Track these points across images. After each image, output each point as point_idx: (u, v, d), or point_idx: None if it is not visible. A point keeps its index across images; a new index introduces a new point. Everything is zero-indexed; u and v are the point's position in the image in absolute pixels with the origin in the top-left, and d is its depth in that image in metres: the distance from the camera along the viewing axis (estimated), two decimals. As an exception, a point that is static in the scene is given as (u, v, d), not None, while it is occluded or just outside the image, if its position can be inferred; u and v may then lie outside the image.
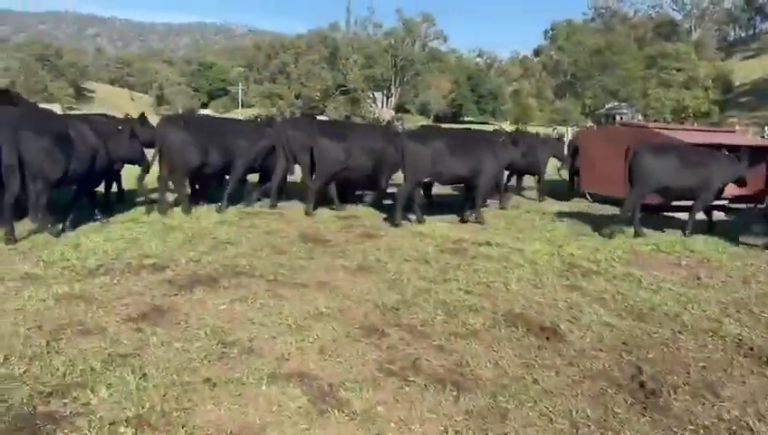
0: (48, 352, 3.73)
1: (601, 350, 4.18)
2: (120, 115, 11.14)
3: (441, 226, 8.49)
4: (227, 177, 9.42)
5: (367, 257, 6.55)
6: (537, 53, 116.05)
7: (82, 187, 7.58)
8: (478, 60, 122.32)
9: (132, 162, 8.56)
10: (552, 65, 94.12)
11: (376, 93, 76.28)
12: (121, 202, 9.59)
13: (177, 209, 8.73)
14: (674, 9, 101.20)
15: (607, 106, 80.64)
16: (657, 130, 11.03)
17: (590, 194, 11.76)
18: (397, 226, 8.31)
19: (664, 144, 9.02)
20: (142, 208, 8.69)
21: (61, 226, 7.14)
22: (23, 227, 7.21)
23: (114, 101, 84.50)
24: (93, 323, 4.27)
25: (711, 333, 4.54)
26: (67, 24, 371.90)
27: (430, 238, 7.60)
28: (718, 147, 9.11)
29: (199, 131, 8.81)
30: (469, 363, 3.82)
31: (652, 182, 8.13)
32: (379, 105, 75.80)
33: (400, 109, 79.15)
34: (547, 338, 4.32)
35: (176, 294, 5.00)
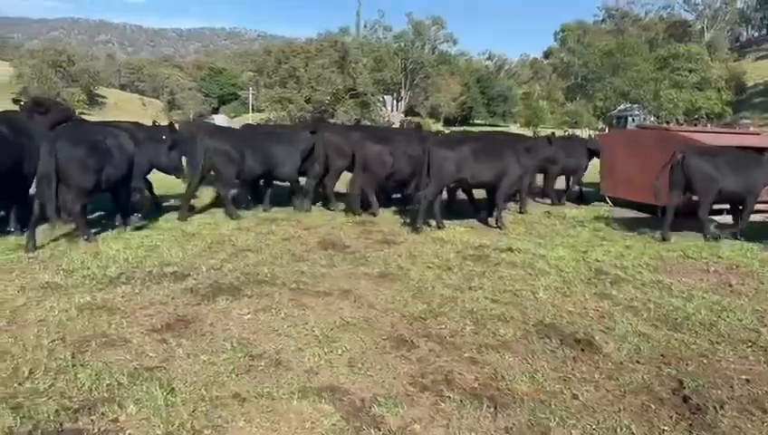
0: (73, 366, 3.65)
1: (639, 362, 4.04)
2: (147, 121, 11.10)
3: (461, 231, 8.38)
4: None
5: (388, 264, 6.45)
6: (547, 55, 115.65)
7: (122, 193, 7.65)
8: (488, 62, 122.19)
9: (168, 171, 8.60)
10: (563, 67, 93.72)
11: (386, 97, 76.11)
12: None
13: (197, 217, 8.68)
14: (685, 10, 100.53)
15: (618, 108, 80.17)
16: (681, 132, 10.85)
17: (610, 198, 11.59)
18: (418, 231, 8.20)
19: (712, 148, 8.84)
20: (161, 215, 8.66)
21: (93, 232, 7.23)
22: (42, 235, 7.18)
23: (126, 107, 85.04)
24: (117, 335, 4.19)
25: (750, 344, 4.40)
26: (79, 31, 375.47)
27: (451, 244, 7.48)
28: (747, 149, 8.95)
29: (240, 138, 9.18)
30: (504, 377, 3.70)
31: (713, 187, 8.03)
32: (389, 109, 75.67)
33: (410, 112, 79.03)
34: (582, 350, 4.19)
35: (199, 304, 4.92)
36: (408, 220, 9.00)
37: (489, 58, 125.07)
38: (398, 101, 75.85)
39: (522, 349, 4.19)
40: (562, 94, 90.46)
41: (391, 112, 74.66)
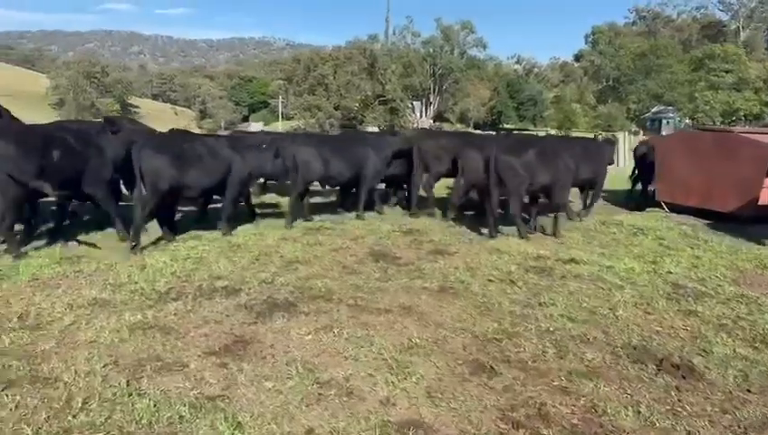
0: (129, 395, 3.37)
1: (750, 391, 3.60)
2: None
3: (516, 241, 7.95)
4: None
5: (447, 277, 6.08)
6: (578, 57, 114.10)
7: (230, 199, 8.01)
8: (517, 66, 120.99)
9: (274, 178, 8.90)
10: (594, 70, 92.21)
11: (414, 102, 75.82)
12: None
13: (241, 227, 8.44)
14: (720, 10, 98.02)
15: (652, 110, 78.52)
16: (744, 134, 10.25)
17: (666, 204, 11.02)
18: (525, 238, 7.98)
19: None
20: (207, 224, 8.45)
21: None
22: (84, 247, 7.00)
23: (158, 116, 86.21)
24: (173, 358, 3.90)
25: None
26: (112, 43, 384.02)
27: (508, 255, 7.07)
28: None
29: (324, 145, 9.31)
30: (606, 411, 3.30)
31: None
32: (418, 114, 75.29)
33: (439, 117, 78.54)
34: (683, 377, 3.76)
35: (255, 322, 4.62)
36: (460, 229, 8.63)
37: (518, 62, 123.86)
38: (426, 107, 75.38)
39: (615, 376, 3.78)
40: (594, 97, 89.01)
41: (420, 118, 74.27)
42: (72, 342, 4.13)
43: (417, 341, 4.30)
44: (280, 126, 74.15)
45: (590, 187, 10.42)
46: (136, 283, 5.60)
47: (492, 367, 3.85)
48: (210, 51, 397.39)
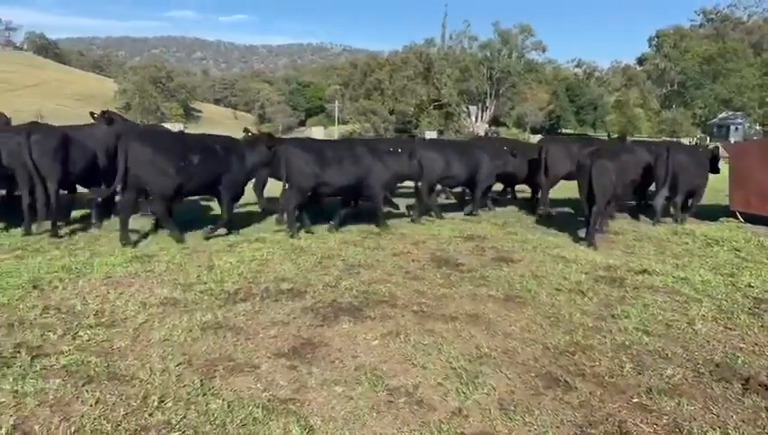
0: (203, 394, 3.42)
1: None
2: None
3: (582, 249, 7.71)
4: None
5: (512, 286, 5.94)
6: (641, 61, 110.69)
7: (377, 199, 8.84)
8: (577, 70, 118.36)
9: (411, 178, 9.53)
10: (658, 74, 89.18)
11: (470, 107, 75.17)
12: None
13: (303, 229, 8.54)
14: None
15: (719, 116, 75.28)
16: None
17: (741, 214, 10.47)
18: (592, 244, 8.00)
19: None
20: (270, 226, 8.60)
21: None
22: (155, 246, 7.22)
23: (219, 120, 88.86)
24: (244, 359, 3.95)
25: None
26: (177, 48, 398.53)
27: (576, 264, 6.85)
28: None
29: (444, 149, 10.22)
30: (691, 431, 3.12)
31: None
32: (474, 119, 74.61)
33: (495, 122, 77.60)
34: (775, 399, 3.52)
35: (322, 325, 4.63)
36: (522, 236, 8.45)
37: (578, 65, 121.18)
38: (482, 111, 74.60)
39: (699, 394, 3.58)
40: (658, 102, 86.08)
41: (476, 123, 73.58)
42: (146, 340, 4.25)
43: (486, 350, 4.20)
44: (336, 131, 75.00)
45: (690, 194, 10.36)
46: (205, 283, 5.72)
47: (566, 381, 3.72)
48: (270, 56, 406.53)
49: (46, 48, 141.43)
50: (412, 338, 4.38)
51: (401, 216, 10.19)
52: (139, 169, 7.12)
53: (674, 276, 6.33)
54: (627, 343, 4.39)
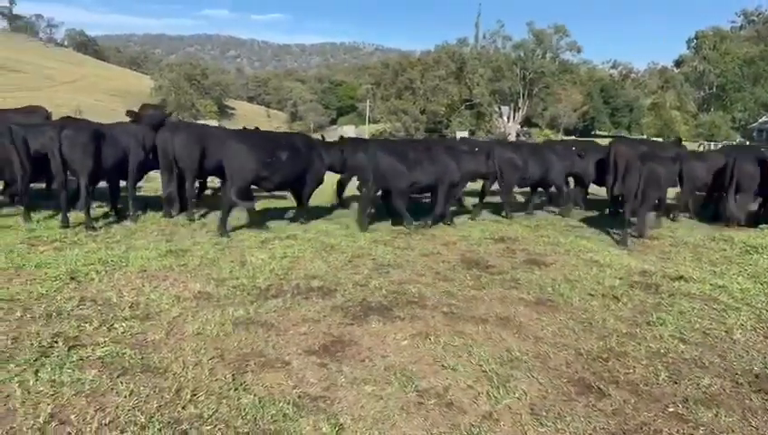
0: (235, 389, 3.46)
1: None
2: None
3: (616, 253, 7.57)
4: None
5: (544, 289, 5.86)
6: (678, 63, 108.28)
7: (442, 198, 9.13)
8: (612, 71, 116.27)
9: (485, 177, 10.12)
10: (696, 76, 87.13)
11: (502, 107, 74.45)
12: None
13: (333, 227, 8.58)
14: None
15: (760, 120, 73.18)
16: None
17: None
18: (642, 237, 8.52)
19: None
20: (295, 224, 8.67)
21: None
22: (189, 241, 7.33)
23: (252, 118, 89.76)
24: (275, 355, 3.98)
25: None
26: (212, 47, 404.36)
27: (610, 269, 6.73)
28: None
29: (522, 151, 10.59)
30: (730, 444, 3.03)
31: None
32: (505, 119, 73.91)
33: (527, 122, 76.72)
34: (819, 414, 3.40)
35: (351, 324, 4.64)
36: (553, 238, 8.35)
37: (613, 66, 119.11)
38: (514, 112, 73.82)
39: (737, 406, 3.48)
40: (696, 105, 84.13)
41: (508, 123, 72.85)
42: (179, 333, 4.31)
43: (517, 354, 4.16)
44: (366, 130, 75.14)
45: None
46: (237, 278, 5.79)
47: (599, 387, 3.65)
48: (303, 55, 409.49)
49: (86, 45, 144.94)
50: (442, 339, 4.35)
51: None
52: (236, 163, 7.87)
53: (711, 284, 6.17)
54: (662, 350, 4.30)
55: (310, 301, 5.19)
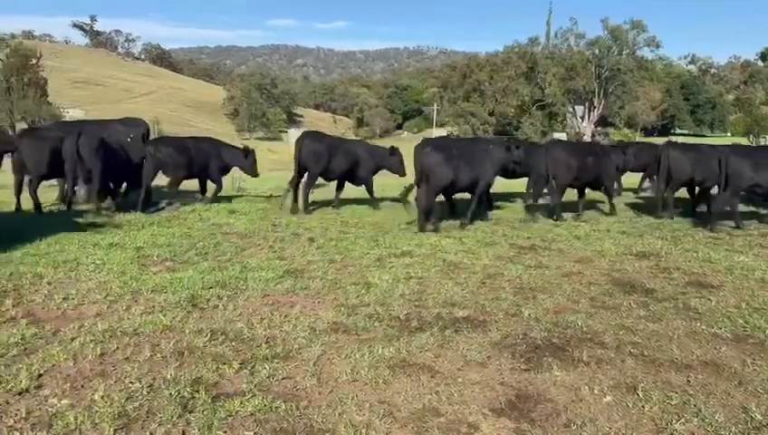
0: (427, 466, 2.73)
1: None
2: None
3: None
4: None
5: (732, 320, 4.87)
6: (764, 56, 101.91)
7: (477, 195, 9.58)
8: (691, 66, 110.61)
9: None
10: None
11: (576, 107, 71.71)
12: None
13: (446, 242, 7.83)
14: None
15: None
16: None
17: None
18: (713, 231, 8.68)
19: None
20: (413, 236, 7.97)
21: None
22: (301, 258, 6.75)
23: (319, 124, 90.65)
24: (454, 414, 3.25)
25: None
26: (279, 56, 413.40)
27: (797, 294, 5.64)
28: None
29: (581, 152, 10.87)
30: None
31: None
32: (579, 119, 71.13)
33: (603, 122, 73.54)
34: None
35: (528, 370, 3.84)
36: (698, 253, 7.28)
37: (692, 62, 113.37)
38: (589, 111, 70.93)
39: None
40: (785, 100, 78.49)
41: (582, 123, 70.12)
42: (332, 379, 3.65)
43: (760, 418, 3.25)
44: (434, 133, 74.12)
45: None
46: (368, 305, 5.13)
47: None
48: (367, 61, 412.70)
49: (161, 57, 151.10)
50: (653, 395, 3.49)
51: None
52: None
53: None
54: None
55: (462, 335, 4.44)
